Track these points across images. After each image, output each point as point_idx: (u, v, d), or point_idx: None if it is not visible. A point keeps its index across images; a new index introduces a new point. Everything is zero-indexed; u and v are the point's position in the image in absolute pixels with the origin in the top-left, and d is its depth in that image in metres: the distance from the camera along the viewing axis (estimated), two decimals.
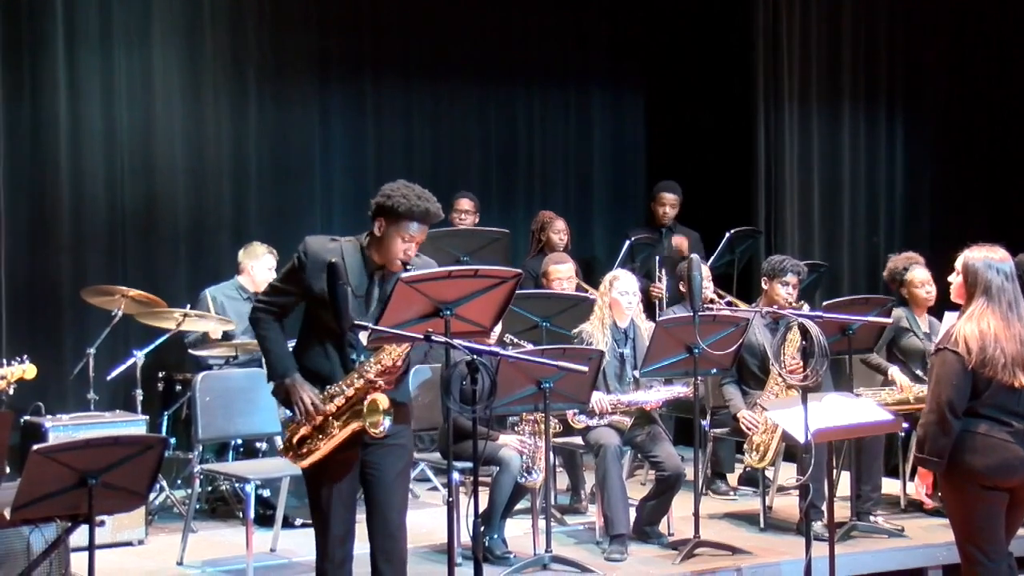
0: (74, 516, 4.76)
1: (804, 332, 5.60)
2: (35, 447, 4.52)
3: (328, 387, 4.64)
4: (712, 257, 8.86)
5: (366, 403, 4.53)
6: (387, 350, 4.59)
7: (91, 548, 4.65)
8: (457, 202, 9.00)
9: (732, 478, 8.26)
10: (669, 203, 9.36)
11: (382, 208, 4.66)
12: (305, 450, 4.62)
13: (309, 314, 4.75)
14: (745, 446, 7.06)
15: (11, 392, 6.28)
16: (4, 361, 6.14)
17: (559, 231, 8.94)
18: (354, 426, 4.55)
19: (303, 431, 4.64)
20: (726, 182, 10.02)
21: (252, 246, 7.97)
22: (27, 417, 6.72)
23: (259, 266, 7.86)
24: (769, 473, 7.45)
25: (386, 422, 4.51)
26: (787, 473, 7.49)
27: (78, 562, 5.20)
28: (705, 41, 10.27)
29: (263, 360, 4.83)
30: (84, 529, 4.70)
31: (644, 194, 10.20)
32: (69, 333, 8.25)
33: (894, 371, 7.34)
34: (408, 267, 4.59)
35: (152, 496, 7.05)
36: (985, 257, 5.02)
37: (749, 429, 6.99)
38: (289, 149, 9.21)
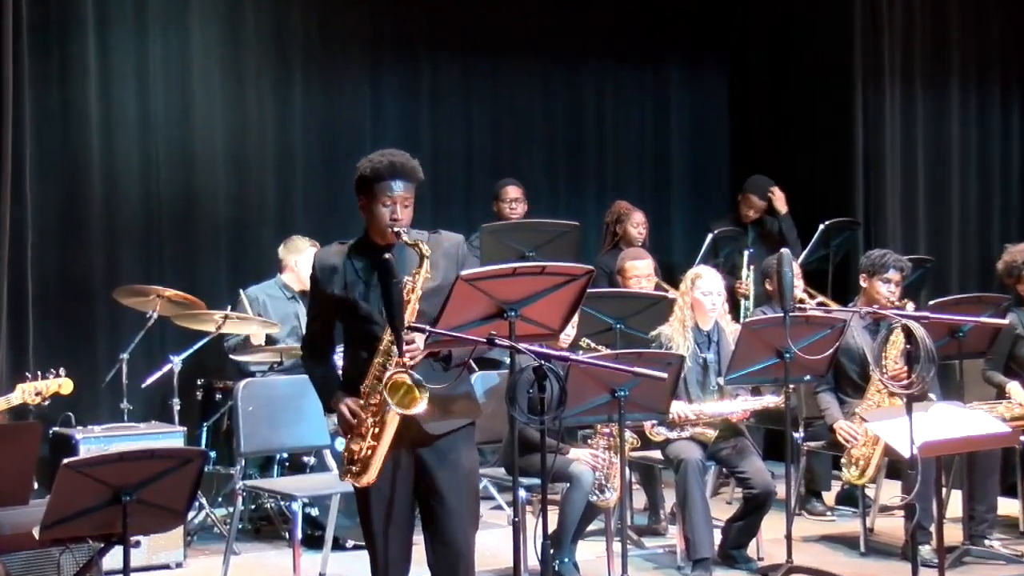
0: (107, 536, 4.80)
1: (908, 335, 5.53)
2: (65, 461, 4.56)
3: (363, 384, 4.63)
4: (804, 252, 8.79)
5: (386, 385, 4.49)
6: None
7: (126, 571, 4.68)
8: (503, 191, 9.00)
9: (828, 497, 8.19)
10: (755, 207, 9.32)
11: (357, 185, 4.69)
12: (360, 465, 4.61)
13: (343, 325, 4.79)
14: (843, 461, 6.99)
15: (45, 406, 6.36)
16: (38, 373, 6.21)
17: (638, 224, 8.92)
18: (392, 417, 4.52)
19: (354, 447, 4.64)
20: (820, 169, 9.94)
21: (293, 240, 8.03)
22: (56, 428, 6.80)
23: (303, 261, 7.90)
24: (870, 491, 7.37)
25: (424, 398, 4.46)
26: (890, 491, 7.41)
27: None
28: (796, 13, 10.19)
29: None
30: (118, 550, 4.73)
31: (728, 183, 10.17)
32: (101, 337, 8.35)
33: (1013, 387, 7.20)
34: (401, 230, 4.57)
35: (191, 515, 7.12)
36: None
37: (847, 442, 6.92)
38: (338, 136, 9.26)
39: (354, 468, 4.62)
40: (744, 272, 8.92)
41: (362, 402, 4.61)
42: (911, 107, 9.84)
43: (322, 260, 4.78)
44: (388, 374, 4.49)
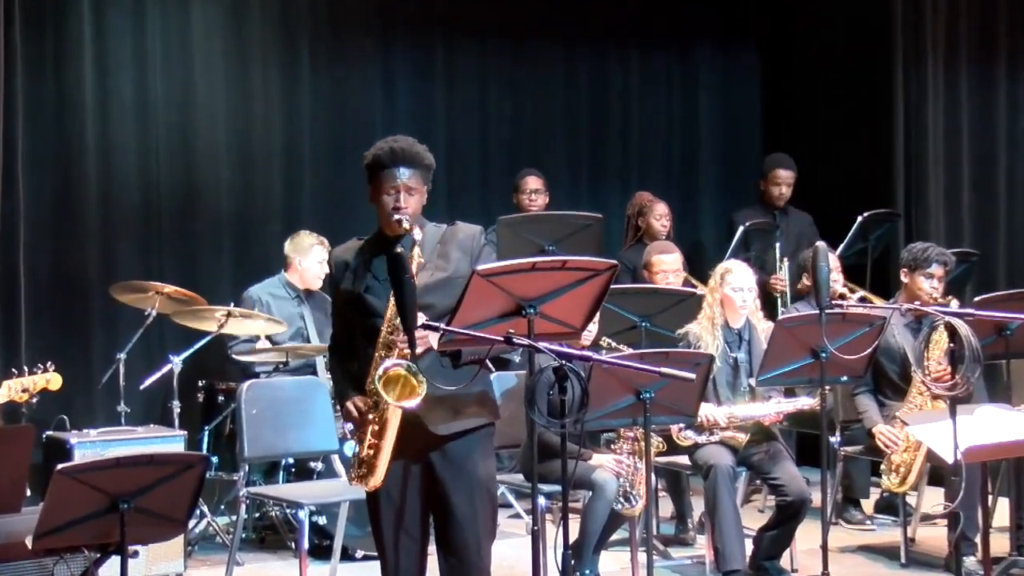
0: (104, 546, 4.81)
1: (952, 333, 5.51)
2: (59, 467, 4.58)
3: (368, 380, 4.63)
4: (842, 245, 8.77)
5: (380, 379, 4.48)
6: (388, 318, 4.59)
7: None
8: (523, 181, 9.01)
9: (867, 505, 8.18)
10: (785, 181, 9.33)
11: (366, 174, 4.70)
12: (366, 467, 4.62)
13: (354, 321, 4.79)
14: (882, 467, 6.98)
15: (33, 404, 6.38)
16: (25, 369, 6.23)
17: (660, 216, 8.92)
18: (393, 412, 4.52)
19: (359, 447, 4.64)
20: (858, 158, 9.91)
21: (299, 236, 8.04)
22: (50, 432, 6.82)
23: (308, 260, 7.93)
24: (911, 499, 7.35)
25: (422, 388, 4.45)
26: (933, 499, 7.40)
27: None
28: None
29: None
30: (115, 561, 4.75)
31: (759, 173, 10.12)
32: (97, 336, 8.37)
33: None
34: (403, 217, 4.56)
35: (192, 523, 7.13)
36: None
37: (887, 447, 6.90)
38: (347, 124, 9.26)
39: (362, 470, 4.63)
40: (778, 265, 8.89)
41: (367, 399, 4.62)
42: (955, 91, 9.80)
43: (337, 257, 4.83)
44: (383, 367, 4.49)
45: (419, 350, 4.48)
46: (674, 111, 10.51)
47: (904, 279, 7.18)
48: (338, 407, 5.02)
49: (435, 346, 4.52)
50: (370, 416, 4.58)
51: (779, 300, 8.75)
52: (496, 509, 4.84)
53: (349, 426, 4.74)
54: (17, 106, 7.86)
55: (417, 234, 4.61)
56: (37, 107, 8.24)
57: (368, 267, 4.69)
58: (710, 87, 10.60)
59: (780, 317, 7.05)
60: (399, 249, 4.53)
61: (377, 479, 4.60)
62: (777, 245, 8.95)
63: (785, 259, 8.85)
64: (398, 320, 4.50)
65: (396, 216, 4.60)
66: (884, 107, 9.72)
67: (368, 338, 4.64)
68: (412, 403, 4.48)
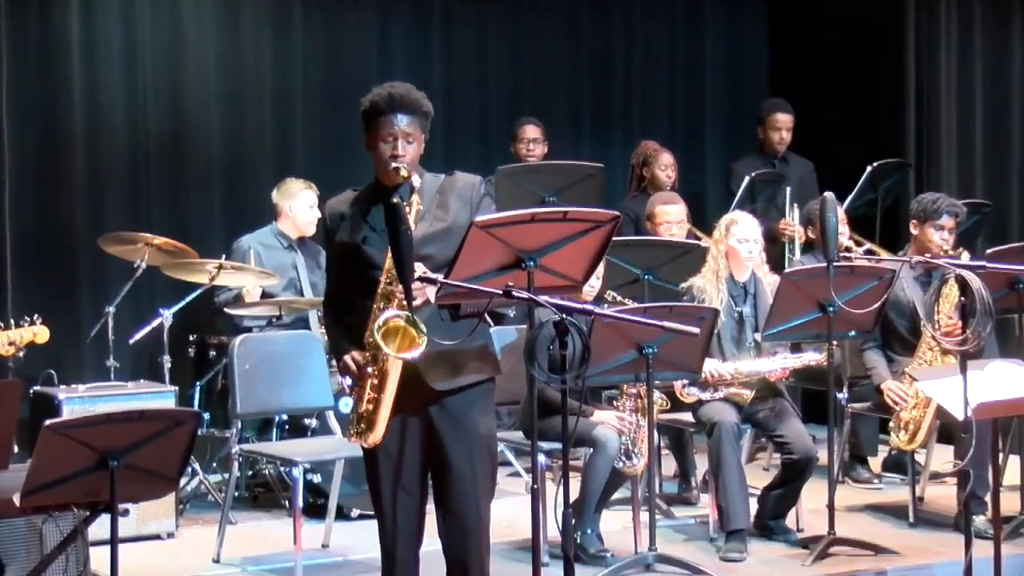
0: (93, 504, 4.83)
1: (963, 286, 5.51)
2: (47, 423, 4.58)
3: (366, 333, 4.63)
4: (850, 197, 8.76)
5: (379, 330, 4.49)
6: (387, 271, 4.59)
7: (113, 541, 4.70)
8: (520, 129, 9.00)
9: (875, 463, 8.20)
10: (785, 125, 9.31)
11: (362, 120, 4.70)
12: (365, 423, 4.62)
13: (349, 274, 4.78)
14: (891, 424, 7.00)
15: (20, 357, 6.39)
16: (12, 322, 6.24)
17: (666, 166, 8.90)
18: (393, 365, 4.52)
19: (362, 400, 4.64)
20: (867, 105, 9.88)
21: (286, 184, 8.03)
22: (37, 388, 6.82)
23: (298, 206, 7.91)
24: (920, 457, 7.37)
25: (423, 339, 4.46)
26: (942, 457, 7.42)
27: (98, 558, 5.27)
28: None
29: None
30: (105, 519, 4.77)
31: (757, 119, 10.10)
32: (84, 289, 8.38)
33: None
34: (401, 166, 4.55)
35: (183, 481, 7.16)
36: None
37: (896, 403, 6.92)
38: (341, 70, 9.24)
39: (360, 426, 4.63)
40: (788, 211, 8.87)
41: (365, 353, 4.62)
42: (969, 36, 9.75)
43: (331, 209, 4.81)
44: (382, 317, 4.49)
45: (417, 302, 4.48)
46: (678, 59, 10.46)
47: (913, 231, 7.17)
48: (334, 362, 5.02)
49: (432, 299, 4.52)
50: (369, 370, 4.58)
51: (786, 248, 8.73)
52: (496, 466, 4.86)
53: (347, 380, 4.74)
54: (1, 52, 7.82)
55: (416, 181, 4.60)
56: (21, 54, 8.22)
57: (365, 217, 4.68)
58: (716, 35, 10.55)
59: (787, 270, 7.05)
60: (395, 199, 4.52)
61: (376, 435, 4.60)
62: (787, 190, 8.93)
63: (795, 205, 8.84)
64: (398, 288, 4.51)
65: (394, 164, 4.58)
66: (895, 54, 9.69)
67: (365, 290, 4.63)
68: (412, 354, 4.48)
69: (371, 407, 4.59)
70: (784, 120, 9.31)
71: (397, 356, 4.48)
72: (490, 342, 4.90)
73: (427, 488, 4.81)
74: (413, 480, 4.75)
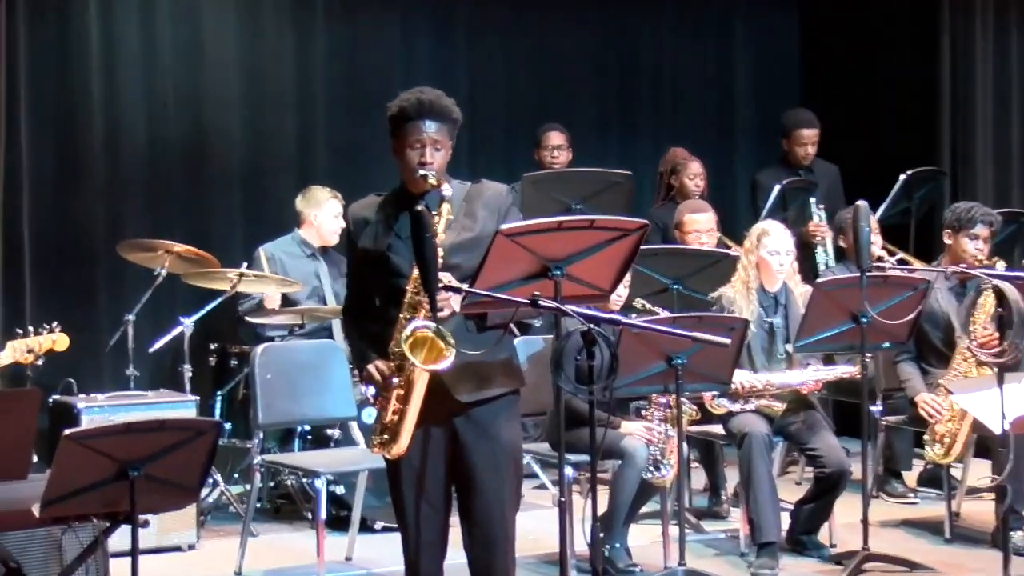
0: (113, 515, 4.85)
1: (1000, 297, 5.51)
2: (66, 432, 4.60)
3: (391, 343, 4.64)
4: (883, 205, 8.75)
5: (407, 340, 4.50)
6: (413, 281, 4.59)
7: (134, 553, 4.72)
8: (545, 136, 8.99)
9: (909, 477, 8.18)
10: (810, 140, 9.24)
11: (389, 125, 4.69)
12: (389, 433, 4.63)
13: (374, 281, 4.79)
14: (925, 437, 6.98)
15: (39, 366, 6.42)
16: (30, 329, 6.27)
17: (695, 175, 8.89)
18: (420, 377, 4.53)
19: (386, 410, 4.65)
20: (901, 112, 9.87)
21: (311, 191, 8.05)
22: (56, 397, 6.87)
23: (323, 214, 7.94)
24: (956, 471, 7.35)
25: (451, 351, 4.46)
26: (979, 471, 7.39)
27: (118, 569, 5.29)
28: None
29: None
30: (125, 530, 4.79)
31: (781, 132, 10.09)
32: (104, 296, 8.41)
33: None
34: (428, 173, 4.56)
35: (204, 492, 7.18)
36: None
37: (931, 416, 6.91)
38: (364, 74, 9.26)
39: (384, 436, 4.64)
40: (814, 213, 8.86)
41: (389, 365, 4.62)
42: (1005, 40, 9.74)
43: (355, 214, 4.79)
44: (409, 328, 4.49)
45: (443, 313, 4.49)
46: (708, 65, 10.47)
47: (947, 240, 7.16)
48: (356, 371, 5.02)
49: (457, 309, 4.53)
50: (395, 380, 4.59)
51: (817, 253, 8.72)
52: (521, 478, 4.86)
53: (370, 390, 4.75)
54: (18, 53, 7.87)
55: (447, 190, 4.60)
56: (40, 56, 8.25)
57: (390, 224, 4.67)
58: (746, 40, 10.55)
59: (818, 280, 7.05)
60: (420, 206, 4.52)
61: (400, 447, 4.60)
62: (812, 196, 8.93)
63: (822, 206, 8.83)
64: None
65: (421, 172, 4.57)
66: (930, 59, 9.68)
67: (391, 299, 4.64)
68: (440, 366, 4.47)
69: (396, 418, 4.59)
70: (809, 136, 9.23)
71: (425, 368, 4.48)
72: (514, 354, 4.90)
73: (451, 500, 4.81)
74: (437, 492, 4.75)
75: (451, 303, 4.52)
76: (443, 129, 4.63)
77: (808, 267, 8.47)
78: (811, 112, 9.36)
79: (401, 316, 4.58)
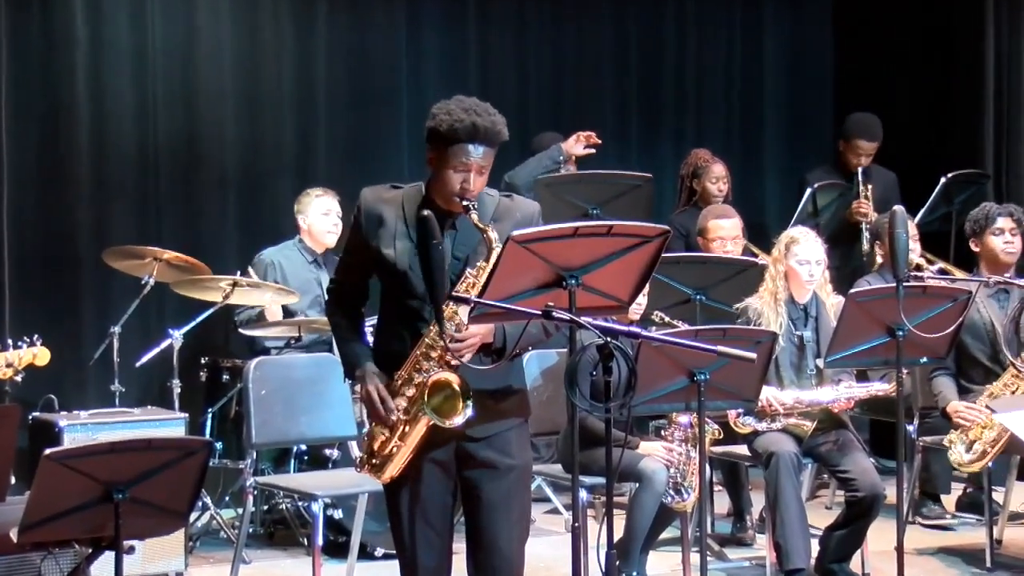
0: (97, 540, 4.86)
1: None
2: (47, 452, 4.62)
3: (396, 373, 4.65)
4: (922, 211, 8.75)
5: (426, 385, 4.53)
6: (450, 312, 4.59)
7: None
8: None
9: (948, 501, 8.17)
10: (866, 152, 9.26)
11: (429, 134, 4.67)
12: (380, 459, 4.64)
13: (381, 285, 4.78)
14: (948, 438, 6.95)
15: (18, 381, 6.43)
16: (10, 343, 6.28)
17: (716, 178, 8.89)
18: (424, 421, 4.56)
19: (379, 435, 4.67)
20: (941, 112, 9.87)
21: (303, 195, 8.05)
22: (37, 414, 6.86)
23: (312, 215, 7.92)
24: (998, 496, 7.34)
25: (467, 411, 4.50)
26: (1022, 496, 7.39)
27: None
28: None
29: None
30: (109, 557, 4.80)
31: (832, 128, 10.09)
32: (88, 307, 8.43)
33: None
34: (471, 204, 4.56)
35: (194, 516, 7.18)
36: None
37: (966, 423, 6.88)
38: (369, 69, 9.29)
39: (374, 460, 4.65)
40: (861, 191, 8.88)
41: (396, 392, 4.62)
42: None
43: (369, 204, 4.72)
44: (432, 377, 4.52)
45: (454, 356, 4.49)
46: (735, 60, 10.48)
47: (975, 248, 7.23)
48: (358, 387, 4.98)
49: (465, 320, 4.53)
50: (394, 417, 4.60)
51: (864, 238, 8.76)
52: (530, 501, 4.86)
53: (364, 411, 4.75)
54: (0, 51, 7.88)
55: (495, 239, 4.52)
56: (22, 55, 8.28)
57: (411, 238, 4.63)
58: (776, 33, 10.56)
59: (852, 291, 7.04)
60: (427, 211, 4.52)
61: (391, 473, 4.62)
62: (860, 171, 8.95)
63: (869, 186, 8.85)
64: (449, 325, 4.50)
65: (464, 201, 4.56)
66: (973, 56, 9.67)
67: (405, 320, 4.64)
68: (452, 422, 4.52)
69: (393, 450, 4.61)
70: (866, 148, 9.24)
71: (438, 420, 4.51)
72: (523, 376, 4.89)
73: (453, 525, 4.82)
74: (439, 516, 4.74)
75: (474, 346, 4.53)
76: (490, 153, 4.63)
77: (849, 262, 8.54)
78: (877, 122, 9.33)
79: (418, 352, 4.58)
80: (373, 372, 4.67)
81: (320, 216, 7.93)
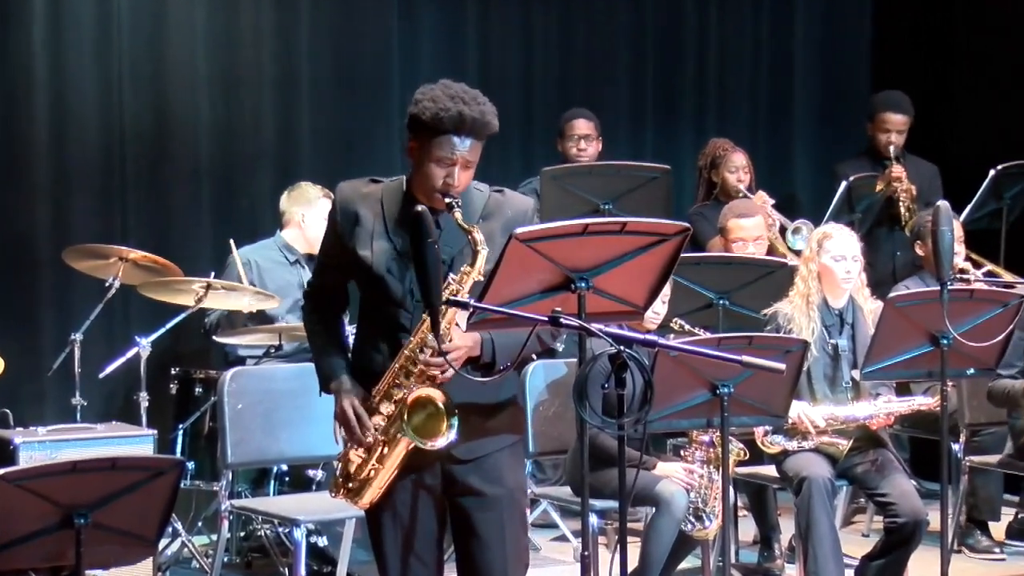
0: (56, 569, 4.87)
1: None
2: (1, 472, 4.62)
3: (374, 388, 4.65)
4: (968, 207, 8.75)
5: (406, 403, 4.52)
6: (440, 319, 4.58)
7: None
8: (569, 124, 8.99)
9: (997, 529, 8.17)
10: (895, 127, 9.26)
11: (411, 122, 4.67)
12: (357, 483, 4.64)
13: (360, 290, 4.78)
14: None
15: None
16: None
17: (736, 168, 8.90)
18: (404, 442, 4.56)
19: (355, 458, 4.66)
20: (990, 98, 9.88)
21: (300, 188, 8.05)
22: None
23: (312, 215, 7.92)
24: None
25: (451, 432, 4.50)
26: None
27: None
28: None
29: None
30: None
31: (867, 115, 10.10)
32: (46, 312, 8.41)
33: None
34: (454, 202, 4.56)
35: (163, 544, 7.19)
36: None
37: None
38: (357, 53, 9.28)
39: (350, 484, 4.65)
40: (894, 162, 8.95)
41: (373, 409, 4.62)
42: None
43: (346, 200, 4.73)
44: (413, 394, 4.52)
45: (448, 374, 4.49)
46: (762, 39, 10.48)
47: None
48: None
49: (464, 327, 4.53)
50: (370, 437, 4.59)
51: (902, 207, 8.79)
52: (527, 527, 4.86)
53: (340, 430, 4.73)
54: None
55: (481, 242, 4.53)
56: None
57: (390, 238, 4.65)
58: (808, 9, 10.57)
59: (891, 295, 7.04)
60: (420, 207, 4.51)
61: (369, 499, 4.63)
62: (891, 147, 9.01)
63: (902, 158, 8.89)
64: (431, 336, 4.48)
65: (446, 199, 4.57)
66: (1021, 35, 9.68)
67: (384, 330, 4.64)
68: (435, 444, 4.52)
69: (371, 473, 4.61)
70: (895, 121, 9.24)
71: (420, 444, 4.51)
72: (517, 390, 4.89)
73: (443, 555, 4.83)
74: (427, 545, 4.75)
75: (463, 351, 4.52)
76: (477, 147, 4.65)
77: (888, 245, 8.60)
78: (904, 95, 9.33)
79: (397, 366, 4.57)
80: (349, 387, 4.67)
81: (321, 220, 7.87)
